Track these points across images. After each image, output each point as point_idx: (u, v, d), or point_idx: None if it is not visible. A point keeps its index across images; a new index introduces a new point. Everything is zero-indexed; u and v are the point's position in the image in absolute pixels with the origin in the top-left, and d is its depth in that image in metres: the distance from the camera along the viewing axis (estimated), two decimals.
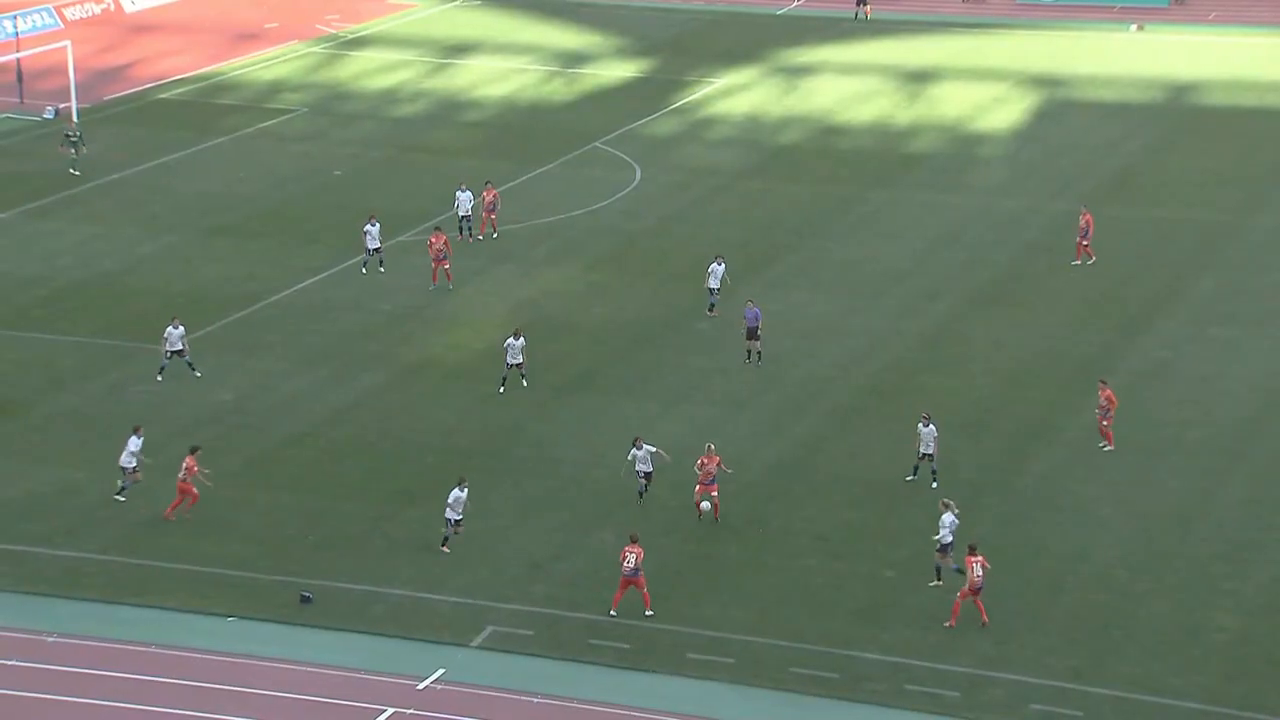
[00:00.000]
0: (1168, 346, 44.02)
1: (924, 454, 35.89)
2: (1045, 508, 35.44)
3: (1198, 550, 33.78)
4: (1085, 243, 49.22)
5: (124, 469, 35.74)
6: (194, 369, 41.83)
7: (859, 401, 40.82)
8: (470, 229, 48.69)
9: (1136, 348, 43.88)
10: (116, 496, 35.53)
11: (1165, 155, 60.57)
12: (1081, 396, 40.79)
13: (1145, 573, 32.94)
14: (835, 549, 33.94)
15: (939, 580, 32.36)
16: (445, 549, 33.84)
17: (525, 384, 40.47)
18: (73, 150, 58.05)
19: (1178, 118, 65.26)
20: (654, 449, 35.28)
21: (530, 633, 31.08)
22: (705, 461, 34.62)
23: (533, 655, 30.46)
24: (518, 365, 40.43)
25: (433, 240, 47.44)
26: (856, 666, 29.96)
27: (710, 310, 44.87)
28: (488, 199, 51.56)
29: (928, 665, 29.99)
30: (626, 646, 30.61)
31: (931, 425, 35.78)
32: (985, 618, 31.05)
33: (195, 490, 35.02)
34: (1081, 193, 56.09)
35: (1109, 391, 37.80)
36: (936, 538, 32.41)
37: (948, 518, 32.26)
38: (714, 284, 45.21)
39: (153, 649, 30.58)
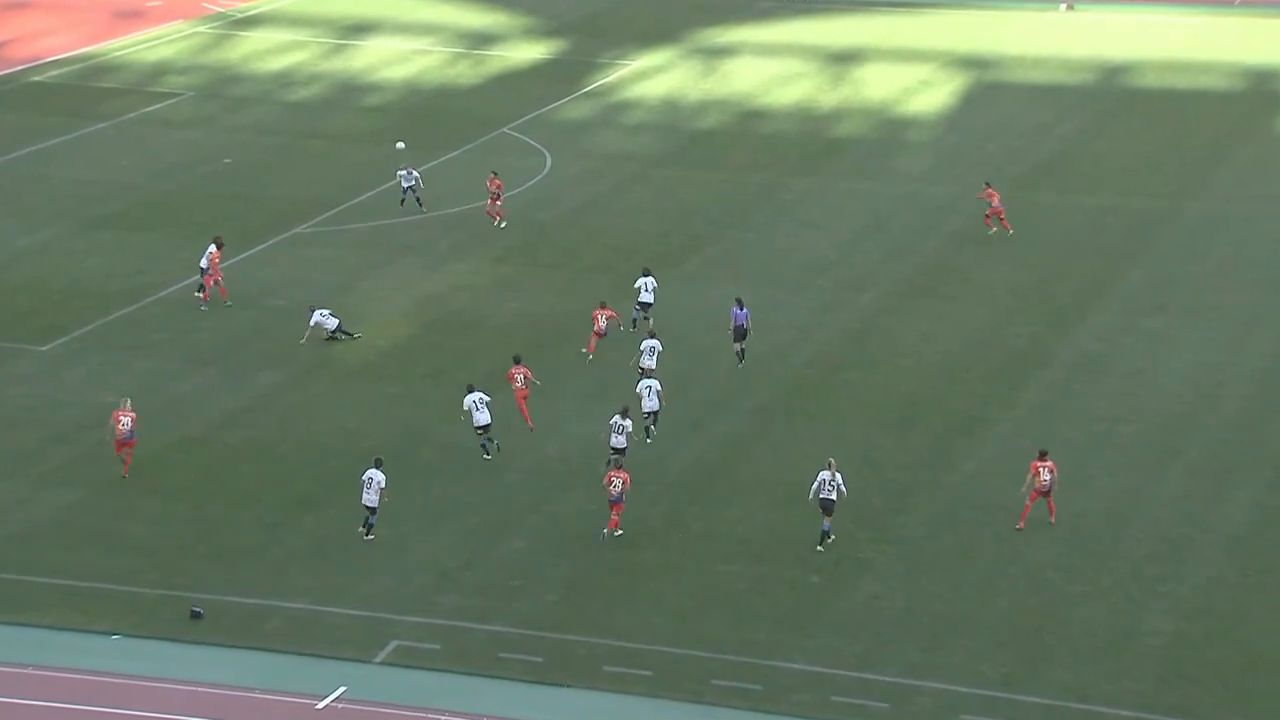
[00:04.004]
0: (1099, 339, 44.70)
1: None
2: (975, 507, 35.86)
3: (1132, 551, 34.34)
4: (1000, 215, 50.82)
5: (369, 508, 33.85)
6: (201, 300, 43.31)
7: (782, 399, 41.07)
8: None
9: (1067, 340, 44.52)
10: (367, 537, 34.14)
11: (1097, 140, 61.48)
12: (1013, 391, 41.33)
13: (1078, 575, 33.43)
14: (758, 552, 34.14)
15: (821, 544, 33.53)
16: None
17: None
18: None
19: (1109, 100, 66.28)
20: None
21: (437, 646, 30.99)
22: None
23: (439, 670, 30.36)
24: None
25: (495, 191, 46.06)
26: (780, 677, 30.16)
27: (633, 326, 43.61)
28: (492, 187, 51.23)
29: (854, 675, 30.25)
30: (539, 659, 30.61)
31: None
32: (1053, 518, 34.29)
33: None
34: (1012, 178, 56.82)
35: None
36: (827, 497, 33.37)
37: (824, 474, 33.39)
38: (647, 298, 43.90)
39: (29, 670, 30.12)
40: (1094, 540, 34.68)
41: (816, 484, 33.82)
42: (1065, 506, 35.47)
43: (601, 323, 42.33)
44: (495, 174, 51.98)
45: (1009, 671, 30.40)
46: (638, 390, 38.51)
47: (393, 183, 53.62)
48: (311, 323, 43.18)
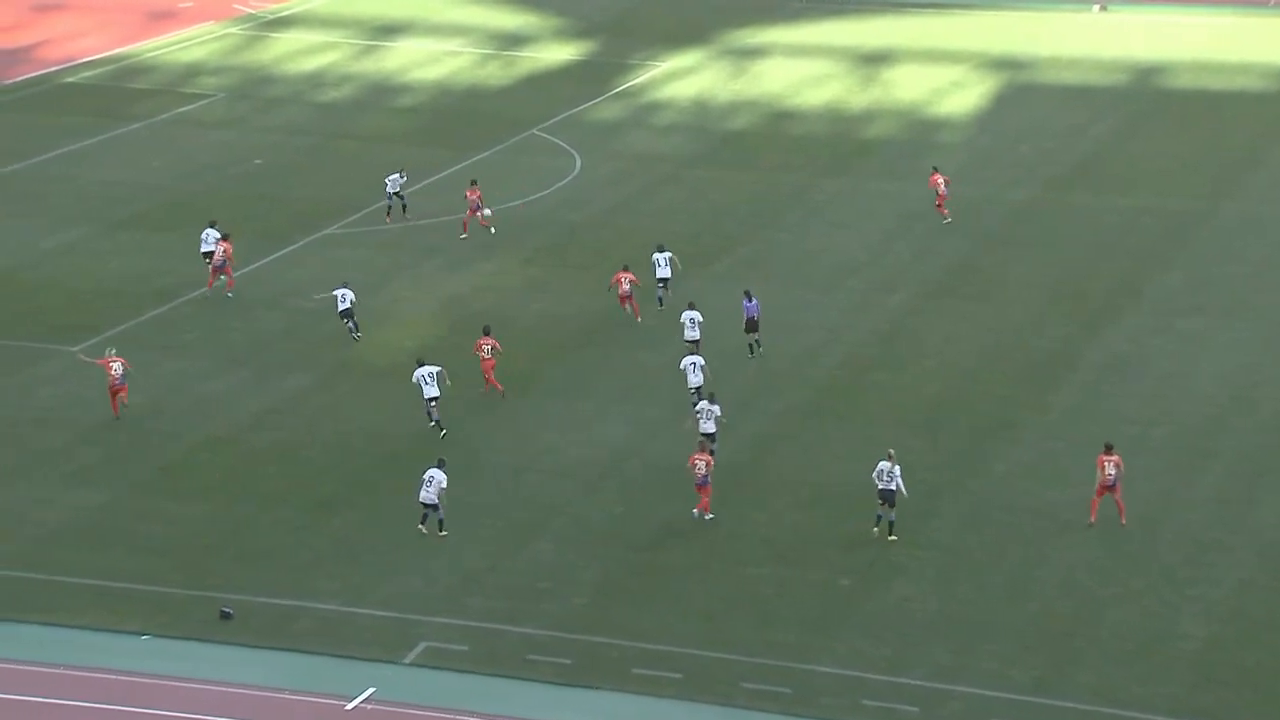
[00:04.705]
0: (1132, 340, 44.47)
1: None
2: (1005, 510, 35.74)
3: (1164, 554, 34.14)
4: (941, 202, 51.97)
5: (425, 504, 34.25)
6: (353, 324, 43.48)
7: (811, 400, 41.01)
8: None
9: (1100, 342, 44.31)
10: (420, 527, 34.61)
11: (1130, 141, 61.18)
12: (1044, 393, 41.17)
13: (1109, 578, 33.27)
14: (786, 555, 34.09)
15: (877, 528, 34.15)
16: None
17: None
18: None
19: (1143, 101, 65.93)
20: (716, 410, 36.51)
21: (465, 648, 31.04)
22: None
23: (468, 672, 30.41)
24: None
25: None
26: (810, 680, 30.10)
27: (659, 304, 45.33)
28: (472, 198, 50.60)
29: (884, 678, 30.17)
30: (567, 662, 30.62)
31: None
32: (1123, 519, 34.34)
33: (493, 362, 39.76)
34: (1045, 179, 56.66)
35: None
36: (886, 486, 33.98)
37: (883, 464, 33.90)
38: (664, 272, 45.59)
39: (60, 670, 30.29)
40: (1126, 543, 34.49)
41: (875, 473, 34.25)
42: (1100, 510, 35.25)
43: (625, 285, 44.19)
44: (474, 182, 51.35)
45: (1039, 675, 30.27)
46: (681, 366, 39.47)
47: (422, 185, 53.70)
48: (334, 292, 43.85)
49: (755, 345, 42.55)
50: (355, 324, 43.69)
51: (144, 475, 37.15)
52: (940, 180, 52.04)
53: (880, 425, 39.25)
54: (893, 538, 34.19)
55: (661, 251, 45.89)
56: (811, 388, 41.68)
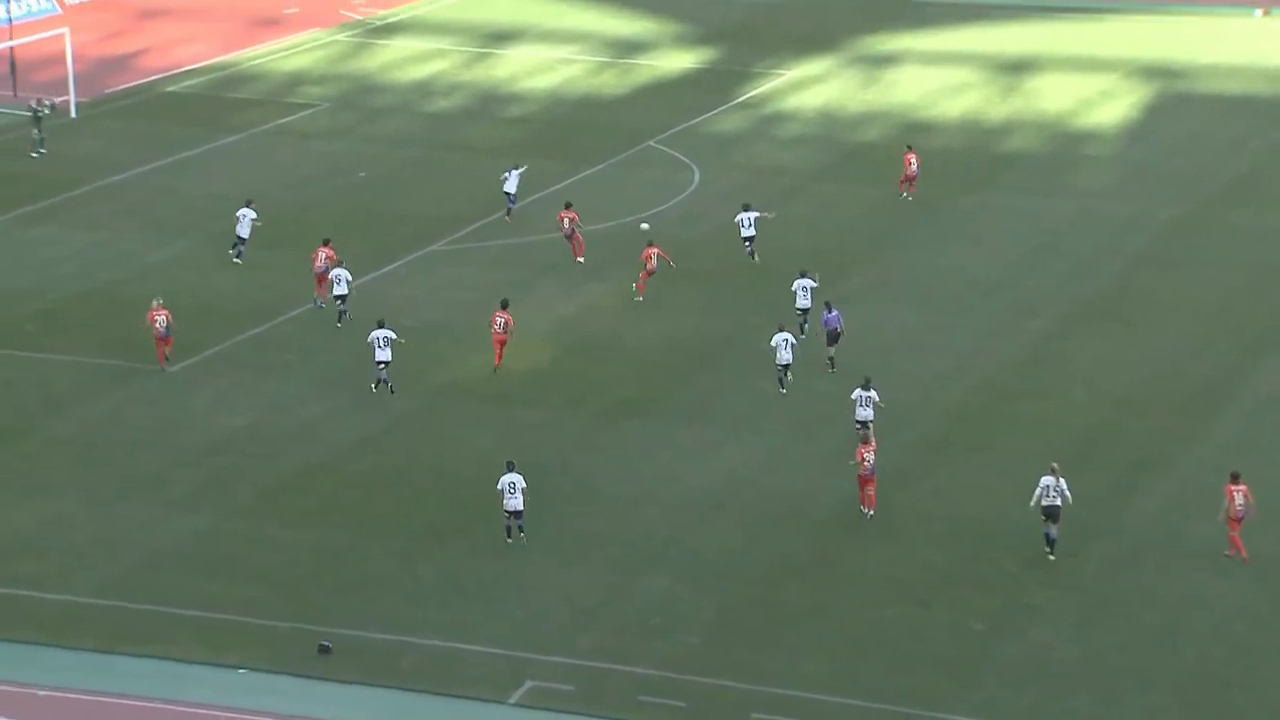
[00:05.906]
0: None
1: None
2: (1157, 550, 35.14)
3: None
4: (909, 179, 54.28)
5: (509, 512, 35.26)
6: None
7: (944, 429, 40.64)
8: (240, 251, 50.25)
9: (1260, 371, 43.47)
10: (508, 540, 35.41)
11: None
12: (1200, 424, 40.42)
13: (1269, 626, 32.58)
14: (915, 595, 33.78)
15: (1050, 551, 34.43)
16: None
17: None
18: (36, 129, 59.46)
19: None
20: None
21: (573, 688, 31.09)
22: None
23: (576, 714, 30.44)
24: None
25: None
26: None
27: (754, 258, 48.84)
28: (566, 222, 50.68)
29: None
30: (681, 705, 30.55)
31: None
32: (1244, 553, 34.03)
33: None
34: (1201, 196, 55.76)
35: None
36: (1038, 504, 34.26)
37: (1047, 480, 34.11)
38: (749, 232, 48.54)
39: (155, 704, 30.76)
40: None
41: (1040, 490, 34.28)
42: (1257, 549, 34.57)
43: (654, 262, 47.01)
44: (569, 204, 51.09)
45: None
46: (772, 344, 41.04)
47: (531, 200, 53.91)
48: (331, 275, 45.97)
49: (830, 362, 42.70)
50: (345, 310, 45.38)
51: (242, 501, 37.68)
52: (913, 159, 54.16)
53: (1019, 458, 38.78)
54: (1051, 556, 34.17)
55: (747, 210, 48.61)
56: (943, 417, 41.30)
